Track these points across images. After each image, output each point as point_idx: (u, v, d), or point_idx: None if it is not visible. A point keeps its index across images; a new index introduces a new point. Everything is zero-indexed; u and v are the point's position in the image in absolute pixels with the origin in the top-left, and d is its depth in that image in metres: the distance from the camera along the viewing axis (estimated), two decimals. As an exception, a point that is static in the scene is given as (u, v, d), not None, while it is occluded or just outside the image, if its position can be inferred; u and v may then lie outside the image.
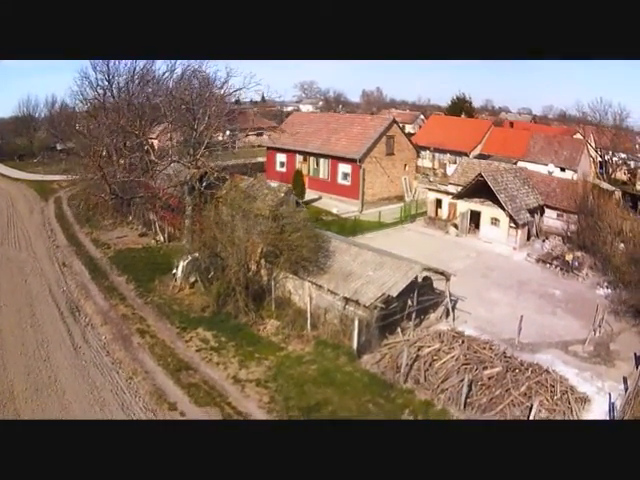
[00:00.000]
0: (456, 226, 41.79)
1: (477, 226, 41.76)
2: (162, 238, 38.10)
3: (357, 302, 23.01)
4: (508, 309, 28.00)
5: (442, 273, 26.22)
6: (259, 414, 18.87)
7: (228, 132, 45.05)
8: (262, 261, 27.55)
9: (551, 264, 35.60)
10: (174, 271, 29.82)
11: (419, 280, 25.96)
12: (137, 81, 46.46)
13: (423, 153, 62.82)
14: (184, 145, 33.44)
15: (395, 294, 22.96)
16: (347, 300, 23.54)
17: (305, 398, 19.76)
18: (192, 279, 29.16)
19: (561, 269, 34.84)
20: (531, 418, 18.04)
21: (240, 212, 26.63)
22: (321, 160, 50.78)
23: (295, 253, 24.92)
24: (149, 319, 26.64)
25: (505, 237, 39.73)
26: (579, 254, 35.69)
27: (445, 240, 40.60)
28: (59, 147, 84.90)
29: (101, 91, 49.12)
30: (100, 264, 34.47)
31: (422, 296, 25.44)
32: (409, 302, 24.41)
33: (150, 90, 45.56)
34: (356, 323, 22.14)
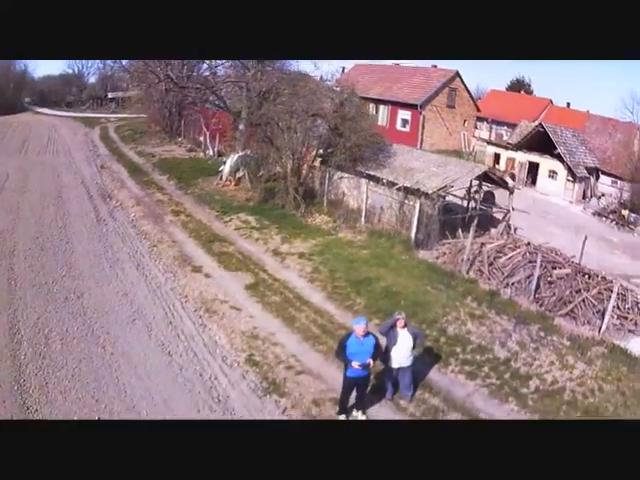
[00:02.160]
0: (513, 176, 40.10)
1: (534, 182, 40.66)
2: (212, 152, 36.71)
3: (418, 192, 21.14)
4: (567, 241, 26.13)
5: (505, 184, 24.42)
6: (299, 283, 17.13)
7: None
8: (316, 163, 25.87)
9: (607, 217, 34.51)
10: (221, 168, 28.34)
11: (482, 192, 24.33)
12: None
13: (480, 124, 60.99)
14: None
15: (460, 186, 21.18)
16: (407, 192, 21.66)
17: (354, 273, 17.88)
18: (239, 174, 27.62)
19: (617, 223, 33.73)
20: (605, 323, 16.33)
21: (299, 117, 24.61)
22: (381, 107, 49.40)
23: (358, 135, 23.16)
24: (187, 204, 25.20)
25: (562, 191, 38.58)
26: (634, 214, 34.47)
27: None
28: (110, 95, 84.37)
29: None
30: (141, 167, 33.25)
31: (486, 201, 23.72)
32: (472, 204, 22.64)
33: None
34: (417, 207, 20.32)
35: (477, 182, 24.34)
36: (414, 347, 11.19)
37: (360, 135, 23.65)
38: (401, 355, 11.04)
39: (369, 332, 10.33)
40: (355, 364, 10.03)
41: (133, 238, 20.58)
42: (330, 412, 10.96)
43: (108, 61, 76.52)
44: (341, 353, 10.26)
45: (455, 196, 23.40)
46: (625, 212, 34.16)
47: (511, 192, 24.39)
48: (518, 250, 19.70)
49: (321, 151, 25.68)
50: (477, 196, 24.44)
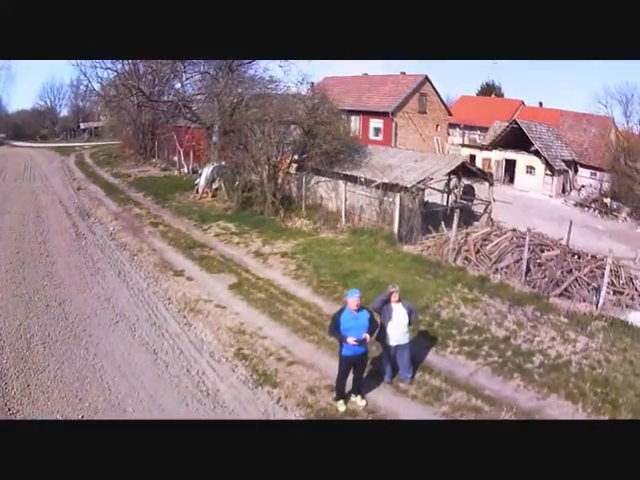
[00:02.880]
0: (491, 175, 40.12)
1: (511, 180, 40.82)
2: (186, 169, 36.67)
3: (398, 187, 20.90)
4: (552, 230, 26.03)
5: (484, 175, 24.34)
6: (284, 280, 16.75)
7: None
8: (292, 170, 25.61)
9: (589, 207, 34.74)
10: (197, 180, 28.02)
11: (461, 186, 24.19)
12: None
13: (453, 131, 61.21)
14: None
15: (438, 178, 20.98)
16: (386, 188, 21.41)
17: (339, 268, 17.57)
18: (215, 185, 27.32)
19: (600, 211, 33.94)
20: (602, 297, 15.93)
21: (273, 122, 24.31)
22: (352, 117, 48.58)
23: (332, 135, 22.99)
24: (165, 216, 24.97)
25: (541, 185, 38.93)
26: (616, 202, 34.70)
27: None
28: (83, 126, 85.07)
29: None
30: (118, 187, 33.05)
31: (466, 195, 23.57)
32: (452, 197, 22.49)
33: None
34: (397, 201, 20.06)
35: (456, 176, 24.21)
36: (410, 323, 10.82)
37: (335, 136, 23.50)
38: (398, 332, 10.62)
39: (363, 307, 9.92)
40: (351, 340, 9.57)
41: (113, 249, 20.25)
42: (327, 399, 10.49)
43: (80, 90, 77.96)
44: (335, 330, 9.78)
45: (434, 189, 23.17)
46: (607, 200, 34.38)
47: (491, 184, 24.30)
48: (504, 236, 19.46)
49: (296, 157, 25.42)
50: (457, 190, 24.29)
